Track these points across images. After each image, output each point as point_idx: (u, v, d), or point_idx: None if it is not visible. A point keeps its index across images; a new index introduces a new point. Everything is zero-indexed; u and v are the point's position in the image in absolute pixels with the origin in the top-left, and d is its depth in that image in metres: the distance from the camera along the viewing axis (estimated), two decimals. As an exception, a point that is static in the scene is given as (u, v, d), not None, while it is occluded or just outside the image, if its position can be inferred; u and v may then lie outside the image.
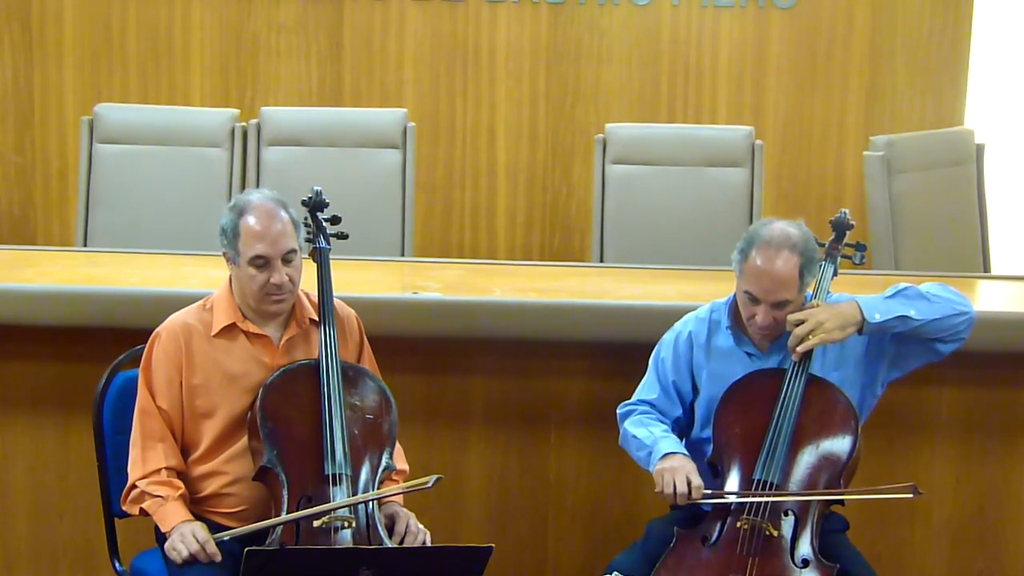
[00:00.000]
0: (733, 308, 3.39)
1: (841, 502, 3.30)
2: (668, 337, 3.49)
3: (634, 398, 3.48)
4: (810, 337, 3.23)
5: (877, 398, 3.44)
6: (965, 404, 4.00)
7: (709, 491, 3.23)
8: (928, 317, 3.26)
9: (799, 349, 3.24)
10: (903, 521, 4.04)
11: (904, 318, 3.25)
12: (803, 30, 6.17)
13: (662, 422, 3.42)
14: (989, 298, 4.61)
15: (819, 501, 3.21)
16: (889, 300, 3.29)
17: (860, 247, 3.59)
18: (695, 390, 3.45)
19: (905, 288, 3.31)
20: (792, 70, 6.19)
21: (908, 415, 3.97)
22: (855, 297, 3.36)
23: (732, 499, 3.24)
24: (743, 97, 6.20)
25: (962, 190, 5.47)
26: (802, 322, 3.24)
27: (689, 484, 3.20)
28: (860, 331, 3.26)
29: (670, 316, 3.55)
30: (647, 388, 3.48)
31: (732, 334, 3.39)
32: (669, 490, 3.22)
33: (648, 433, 3.36)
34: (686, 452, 3.31)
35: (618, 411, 3.49)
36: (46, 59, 6.19)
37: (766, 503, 3.18)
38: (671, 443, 3.32)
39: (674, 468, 3.24)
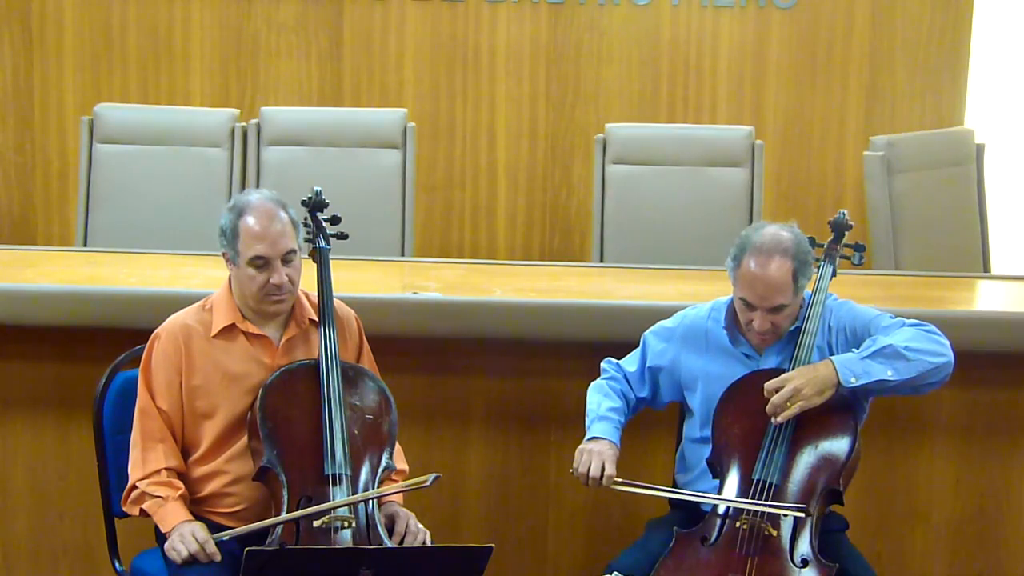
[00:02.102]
0: (731, 309, 3.39)
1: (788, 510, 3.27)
2: (667, 325, 3.50)
3: (620, 364, 3.52)
4: (788, 405, 3.22)
5: (866, 412, 3.43)
6: (965, 404, 4.00)
7: (620, 480, 3.26)
8: (905, 377, 3.23)
9: (779, 419, 3.23)
10: (903, 521, 4.05)
11: (881, 381, 3.23)
12: (803, 30, 6.17)
13: (624, 396, 3.46)
14: (989, 298, 4.62)
15: (817, 500, 3.21)
16: (867, 360, 3.23)
17: (859, 247, 3.59)
18: (676, 385, 3.47)
19: (884, 347, 3.24)
20: (792, 70, 6.19)
21: (908, 415, 3.97)
22: (855, 310, 3.37)
23: (643, 491, 3.29)
24: (743, 97, 6.20)
25: (962, 190, 5.47)
26: (780, 388, 3.23)
27: (602, 472, 3.24)
28: (836, 391, 3.24)
29: (669, 317, 3.54)
30: (630, 359, 3.52)
31: (728, 335, 3.39)
32: (583, 470, 3.27)
33: (597, 406, 3.42)
34: (615, 440, 3.34)
35: (601, 364, 3.54)
36: (46, 59, 6.19)
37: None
38: (604, 427, 3.36)
39: (592, 451, 3.30)
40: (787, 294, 3.24)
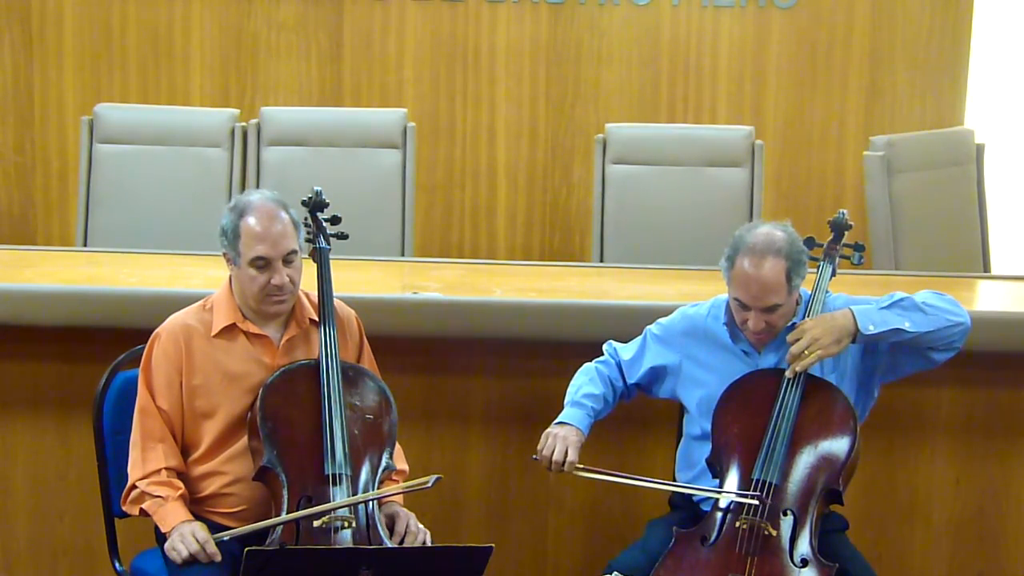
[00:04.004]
0: (730, 306, 3.39)
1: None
2: (669, 323, 3.50)
3: (618, 348, 3.53)
4: (806, 354, 3.23)
5: (874, 399, 3.44)
6: (965, 404, 4.00)
7: (582, 466, 3.28)
8: (922, 330, 3.25)
9: (797, 368, 3.25)
10: (903, 521, 4.05)
11: (898, 331, 3.24)
12: (803, 30, 6.17)
13: (610, 383, 3.46)
14: (989, 298, 4.62)
15: (816, 500, 3.21)
16: (884, 311, 3.27)
17: (858, 247, 3.59)
18: (675, 384, 3.47)
19: (902, 299, 3.28)
20: (792, 70, 6.19)
21: (908, 415, 3.97)
22: (851, 300, 3.37)
23: (606, 478, 3.30)
24: (743, 97, 6.20)
25: (962, 190, 5.47)
26: (797, 339, 3.24)
27: (565, 457, 3.26)
28: (853, 340, 3.26)
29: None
30: (630, 347, 3.52)
31: (729, 331, 3.39)
32: (547, 453, 3.29)
33: (575, 390, 3.43)
34: (582, 427, 3.35)
35: (604, 345, 3.56)
36: (46, 59, 6.19)
37: (760, 505, 3.18)
38: (573, 413, 3.37)
39: (557, 436, 3.31)
40: (781, 294, 3.25)
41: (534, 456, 3.32)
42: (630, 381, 3.49)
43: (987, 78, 6.25)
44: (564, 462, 3.27)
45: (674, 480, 3.52)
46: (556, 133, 6.24)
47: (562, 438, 3.30)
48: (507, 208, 6.28)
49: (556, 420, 3.37)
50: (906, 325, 3.24)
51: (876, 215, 5.19)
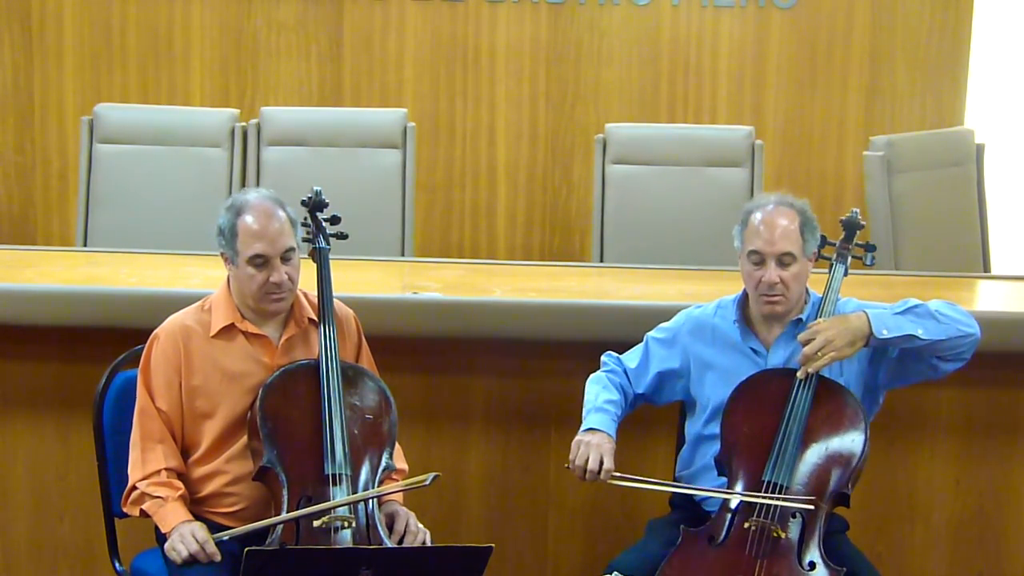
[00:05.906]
0: (741, 302, 3.39)
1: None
2: (671, 325, 3.48)
3: (620, 358, 3.51)
4: (820, 355, 3.22)
5: (879, 406, 3.43)
6: (965, 404, 4.00)
7: (619, 474, 3.22)
8: (935, 337, 3.24)
9: (810, 369, 3.23)
10: (903, 521, 4.04)
11: (911, 337, 3.23)
12: (803, 30, 6.17)
13: (622, 391, 3.43)
14: (989, 298, 4.61)
15: (826, 503, 3.20)
16: (899, 316, 3.26)
17: (870, 247, 3.55)
18: (686, 385, 3.45)
19: (915, 305, 3.27)
20: (792, 70, 6.19)
21: (908, 415, 3.96)
22: (862, 305, 3.35)
23: (642, 486, 3.25)
24: (743, 97, 6.20)
25: (962, 190, 5.47)
26: (810, 340, 3.23)
27: (600, 465, 3.21)
28: (867, 344, 3.25)
29: (670, 316, 3.54)
30: (632, 355, 3.50)
31: (739, 328, 3.38)
32: (580, 463, 3.23)
33: (595, 397, 3.39)
34: (612, 433, 3.30)
35: (602, 357, 3.52)
36: (46, 59, 6.19)
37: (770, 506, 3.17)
38: (600, 419, 3.32)
39: (590, 444, 3.25)
40: (795, 243, 3.25)
41: (567, 466, 3.26)
42: (637, 390, 3.47)
43: (987, 78, 6.25)
44: (600, 471, 3.21)
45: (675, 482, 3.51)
46: (556, 133, 6.24)
47: (595, 446, 3.25)
48: (507, 208, 6.28)
49: (584, 427, 3.31)
50: (919, 332, 3.23)
51: (876, 215, 5.19)
